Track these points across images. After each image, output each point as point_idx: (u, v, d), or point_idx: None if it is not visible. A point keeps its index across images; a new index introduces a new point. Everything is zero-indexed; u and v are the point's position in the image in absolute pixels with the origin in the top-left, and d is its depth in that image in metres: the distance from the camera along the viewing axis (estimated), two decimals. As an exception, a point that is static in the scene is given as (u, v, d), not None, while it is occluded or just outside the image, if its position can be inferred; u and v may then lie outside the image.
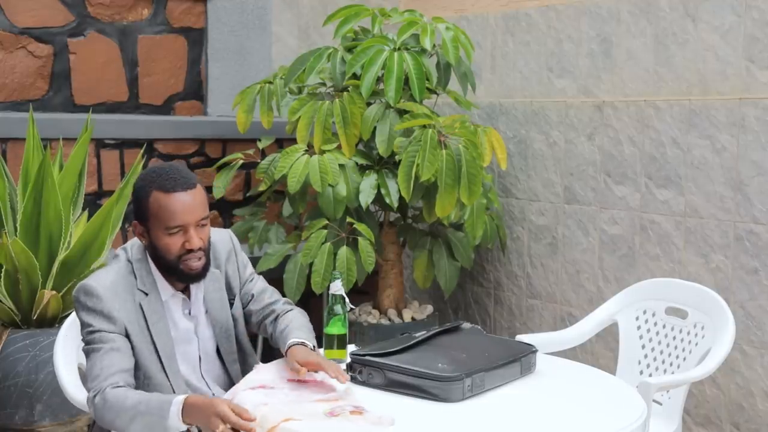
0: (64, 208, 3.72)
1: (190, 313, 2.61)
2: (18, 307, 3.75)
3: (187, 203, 2.46)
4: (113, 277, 2.52)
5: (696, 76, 3.72)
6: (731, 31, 3.59)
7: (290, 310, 2.73)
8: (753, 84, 3.54)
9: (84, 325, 2.49)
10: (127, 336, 2.48)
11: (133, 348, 2.49)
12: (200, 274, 2.53)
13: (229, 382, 2.66)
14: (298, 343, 2.54)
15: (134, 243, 2.61)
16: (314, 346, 2.57)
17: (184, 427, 2.31)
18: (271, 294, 2.77)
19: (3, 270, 3.68)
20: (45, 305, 3.69)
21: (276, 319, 2.70)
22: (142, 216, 2.50)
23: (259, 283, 2.78)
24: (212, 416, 2.22)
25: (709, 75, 3.67)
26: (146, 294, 2.52)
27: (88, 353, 2.46)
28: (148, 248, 2.55)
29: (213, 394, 2.60)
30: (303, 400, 2.34)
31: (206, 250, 2.52)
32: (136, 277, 2.53)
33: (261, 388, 2.42)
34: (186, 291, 2.61)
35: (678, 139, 3.78)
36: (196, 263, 2.50)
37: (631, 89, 3.95)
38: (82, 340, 2.52)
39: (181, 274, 2.51)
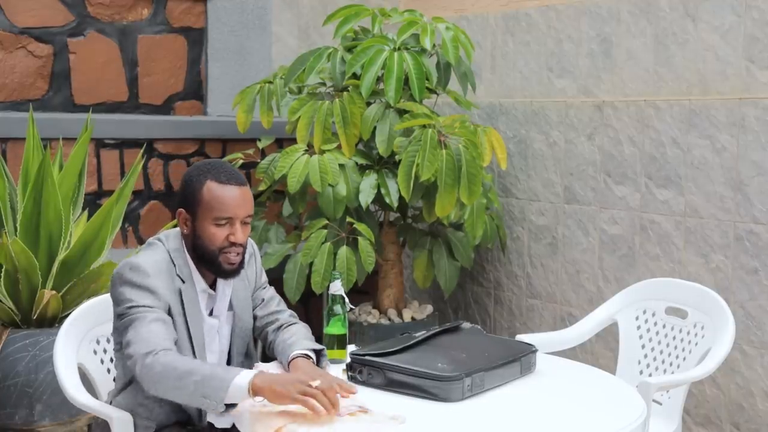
0: (64, 208, 3.72)
1: (212, 313, 2.62)
2: (18, 307, 3.75)
3: (238, 197, 2.50)
4: (157, 259, 2.53)
5: (696, 76, 3.72)
6: (731, 31, 3.59)
7: (295, 323, 2.75)
8: (753, 84, 3.54)
9: (123, 301, 2.46)
10: (169, 316, 2.47)
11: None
12: (236, 270, 2.56)
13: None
14: (301, 355, 2.55)
15: (169, 234, 2.62)
16: (316, 361, 2.57)
17: (245, 398, 2.29)
18: (278, 303, 2.80)
19: (3, 270, 3.68)
20: (45, 305, 3.68)
21: (279, 328, 2.72)
22: (190, 204, 2.52)
23: (270, 291, 2.81)
24: (297, 382, 2.26)
25: (709, 75, 3.67)
26: (183, 282, 2.53)
27: (128, 324, 2.42)
28: (188, 237, 2.56)
29: None
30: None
31: (245, 248, 2.57)
32: (174, 264, 2.54)
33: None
34: (212, 289, 2.61)
35: (678, 139, 3.78)
36: (235, 258, 2.52)
37: (631, 89, 3.95)
38: (119, 315, 2.48)
39: (218, 267, 2.52)
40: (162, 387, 2.35)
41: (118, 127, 4.61)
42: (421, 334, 2.69)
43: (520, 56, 4.44)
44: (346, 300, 2.74)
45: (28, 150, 3.83)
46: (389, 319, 4.27)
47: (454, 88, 4.36)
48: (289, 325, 2.73)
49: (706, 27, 3.68)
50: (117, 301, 2.50)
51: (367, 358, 2.49)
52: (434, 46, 4.08)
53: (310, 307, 5.03)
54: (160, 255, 2.55)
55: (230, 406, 2.33)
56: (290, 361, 2.54)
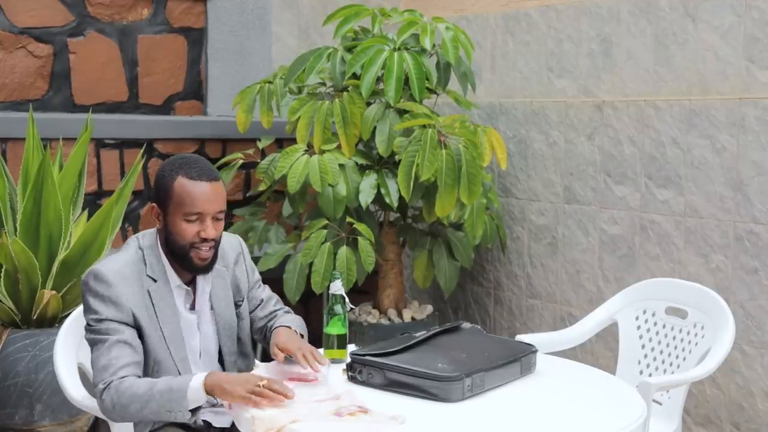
0: (64, 208, 3.72)
1: (193, 308, 2.64)
2: (18, 307, 3.75)
3: (209, 193, 2.52)
4: (123, 263, 2.55)
5: (696, 76, 3.72)
6: (731, 31, 3.59)
7: (287, 314, 2.81)
8: (753, 84, 3.54)
9: (90, 310, 2.50)
10: (135, 322, 2.50)
11: (142, 335, 2.51)
12: (207, 266, 2.57)
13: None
14: (283, 326, 2.64)
15: (147, 232, 2.65)
16: (300, 334, 2.66)
17: (204, 399, 2.37)
18: (276, 302, 2.84)
19: (3, 270, 3.68)
20: (45, 305, 3.68)
21: (274, 322, 2.78)
22: (162, 199, 2.54)
23: (267, 291, 2.84)
24: (245, 382, 2.32)
25: (709, 75, 3.67)
26: (155, 281, 2.56)
27: (93, 343, 2.48)
28: (161, 233, 2.58)
29: None
30: (304, 399, 2.34)
31: (217, 243, 2.57)
32: (146, 264, 2.56)
33: (261, 388, 2.42)
34: (191, 285, 2.63)
35: (678, 139, 3.78)
36: (206, 253, 2.54)
37: (631, 89, 3.95)
38: (86, 326, 2.53)
39: (190, 262, 2.55)
40: (128, 415, 2.42)
41: (118, 127, 4.61)
42: (421, 334, 2.69)
43: (520, 56, 4.44)
44: (347, 300, 2.74)
45: (28, 150, 3.83)
46: (389, 319, 4.27)
47: (454, 88, 4.36)
48: (283, 314, 2.81)
49: (706, 27, 3.68)
50: (84, 309, 2.55)
51: (367, 358, 2.49)
52: (434, 46, 4.08)
53: (310, 307, 5.03)
54: (129, 257, 2.57)
55: (196, 410, 2.41)
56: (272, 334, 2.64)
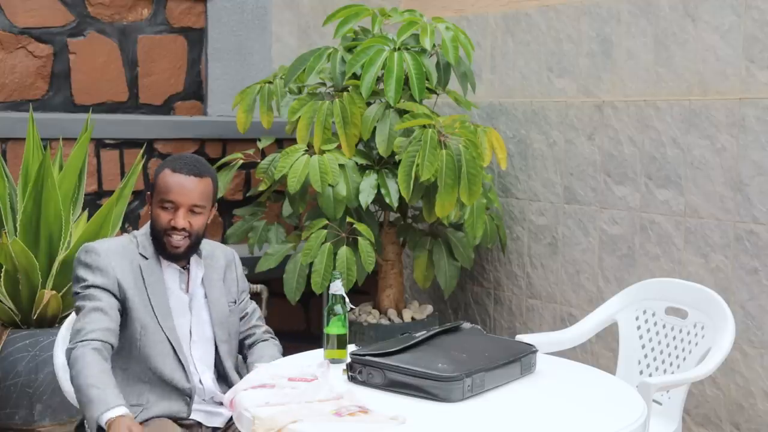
0: (64, 208, 3.72)
1: (187, 290, 2.78)
2: (18, 307, 3.75)
3: (184, 185, 2.70)
4: (115, 242, 2.77)
5: (696, 76, 3.72)
6: (731, 31, 3.59)
7: (265, 340, 2.93)
8: (753, 84, 3.54)
9: (78, 279, 2.69)
10: (121, 291, 2.65)
11: (127, 304, 2.66)
12: (180, 255, 2.73)
13: (219, 373, 2.79)
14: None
15: (145, 225, 2.82)
16: None
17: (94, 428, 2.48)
18: (258, 318, 2.98)
19: (3, 270, 3.68)
20: (45, 305, 3.69)
21: (252, 344, 2.91)
22: (152, 188, 2.76)
23: (253, 305, 3.00)
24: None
25: (709, 75, 3.68)
26: (146, 258, 2.73)
27: (77, 311, 2.68)
28: (150, 219, 2.77)
29: (195, 371, 2.75)
30: (305, 399, 2.34)
31: (193, 235, 2.72)
32: (138, 246, 2.75)
33: (261, 388, 2.42)
34: (185, 268, 2.79)
35: (678, 139, 3.78)
36: (177, 242, 2.70)
37: (631, 89, 3.96)
38: (74, 294, 2.71)
39: (163, 247, 2.72)
40: (72, 382, 2.56)
41: (118, 127, 4.61)
42: (421, 335, 2.69)
43: (520, 56, 4.44)
44: (347, 300, 2.74)
45: (28, 150, 3.83)
46: (389, 320, 4.27)
47: (454, 88, 4.36)
48: (261, 341, 2.92)
49: (706, 27, 3.68)
50: (73, 282, 2.73)
51: (367, 358, 2.49)
52: (434, 46, 4.08)
53: (310, 307, 5.04)
54: (120, 240, 2.79)
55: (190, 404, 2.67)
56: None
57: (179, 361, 2.69)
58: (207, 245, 2.86)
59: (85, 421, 2.52)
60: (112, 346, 2.61)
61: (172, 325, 2.70)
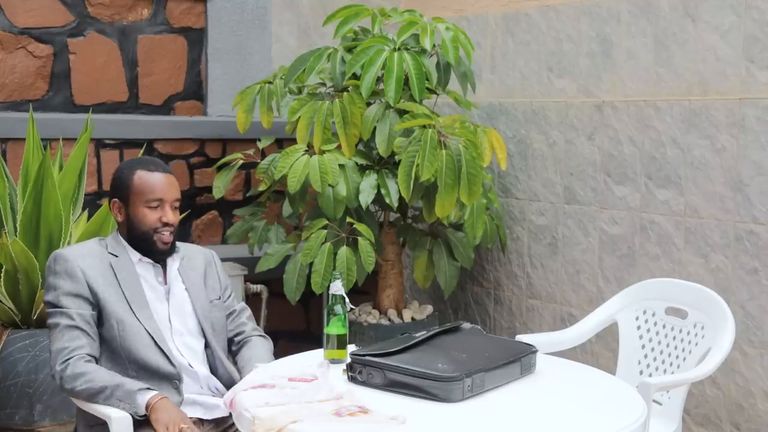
0: (64, 208, 3.72)
1: (165, 282, 2.84)
2: (18, 307, 3.75)
3: (166, 182, 2.81)
4: (84, 246, 2.84)
5: (696, 76, 3.72)
6: (731, 31, 3.59)
7: (255, 336, 2.96)
8: (753, 84, 3.54)
9: (48, 288, 2.73)
10: (92, 294, 2.70)
11: (100, 303, 2.70)
12: (168, 251, 2.82)
13: (208, 364, 2.84)
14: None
15: (112, 234, 2.89)
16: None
17: (140, 408, 2.55)
18: (248, 316, 3.02)
19: (3, 270, 3.68)
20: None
21: (241, 342, 2.94)
22: (123, 192, 2.81)
23: (241, 304, 3.04)
24: (175, 421, 2.49)
25: (709, 75, 3.68)
26: (116, 256, 2.80)
27: (50, 328, 2.72)
28: (123, 225, 2.84)
29: (181, 355, 2.79)
30: (305, 399, 2.34)
31: (176, 229, 2.83)
32: (107, 247, 2.82)
33: (261, 388, 2.42)
34: (159, 261, 2.85)
35: (678, 139, 3.78)
36: (168, 237, 2.79)
37: (631, 89, 3.96)
38: (45, 302, 2.74)
39: (153, 245, 2.79)
40: (82, 395, 2.64)
41: (118, 127, 4.61)
42: (421, 335, 2.69)
43: (520, 56, 4.44)
44: (347, 300, 2.75)
45: (28, 150, 3.83)
46: (389, 320, 4.27)
47: (454, 88, 4.36)
48: (251, 338, 2.95)
49: (706, 27, 3.68)
50: (44, 290, 2.78)
51: (367, 358, 2.49)
52: (434, 46, 4.08)
53: (310, 307, 5.03)
54: (88, 243, 2.86)
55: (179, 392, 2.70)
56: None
57: (160, 349, 2.73)
58: (184, 247, 2.94)
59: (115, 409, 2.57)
60: (96, 360, 2.69)
61: (148, 314, 2.75)
